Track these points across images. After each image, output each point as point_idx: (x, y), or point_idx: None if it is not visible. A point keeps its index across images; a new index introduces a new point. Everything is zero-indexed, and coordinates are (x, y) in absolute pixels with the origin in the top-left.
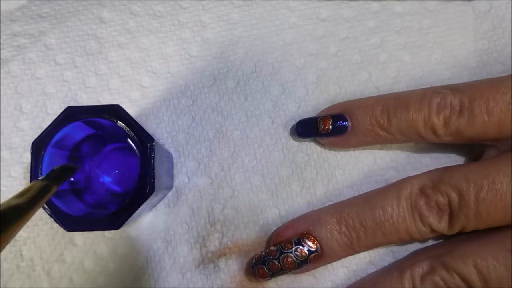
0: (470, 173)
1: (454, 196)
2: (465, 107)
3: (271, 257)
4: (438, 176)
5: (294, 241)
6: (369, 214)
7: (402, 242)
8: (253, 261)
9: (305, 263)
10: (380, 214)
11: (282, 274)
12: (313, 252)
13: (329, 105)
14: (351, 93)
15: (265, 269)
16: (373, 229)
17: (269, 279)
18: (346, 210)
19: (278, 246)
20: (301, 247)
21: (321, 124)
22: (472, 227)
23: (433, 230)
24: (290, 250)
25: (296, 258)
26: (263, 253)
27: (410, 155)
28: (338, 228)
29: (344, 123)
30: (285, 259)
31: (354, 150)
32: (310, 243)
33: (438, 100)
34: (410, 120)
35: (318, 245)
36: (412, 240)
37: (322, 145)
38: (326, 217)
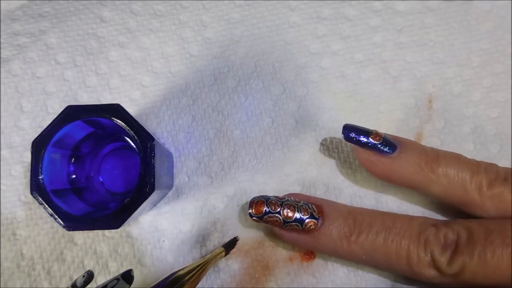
0: (483, 220)
1: (463, 233)
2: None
3: (277, 199)
4: (453, 221)
5: (304, 202)
6: (379, 219)
7: (397, 262)
8: (258, 195)
9: (300, 224)
10: (389, 222)
11: (274, 223)
12: (314, 218)
13: (330, 104)
14: (353, 92)
15: (264, 206)
16: (378, 232)
17: (258, 220)
18: (360, 209)
19: (288, 198)
20: (307, 207)
21: (373, 134)
22: (472, 268)
23: (432, 262)
24: (297, 204)
25: (298, 211)
26: (272, 195)
27: None
28: (345, 216)
29: (394, 143)
30: (287, 209)
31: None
32: (316, 211)
33: (495, 170)
34: (459, 168)
35: (321, 219)
36: (407, 264)
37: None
38: (341, 206)
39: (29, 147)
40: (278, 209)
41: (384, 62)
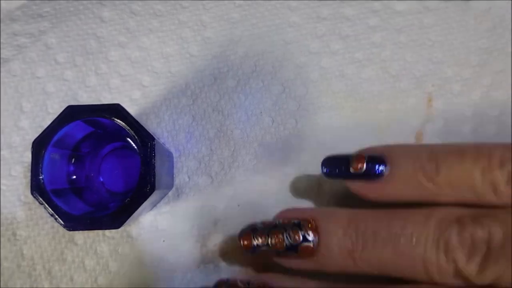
0: None
1: (498, 231)
2: None
3: (264, 227)
4: (486, 211)
5: (294, 222)
6: (385, 224)
7: (414, 275)
8: (244, 227)
9: (294, 251)
10: (397, 227)
11: (266, 251)
12: (307, 241)
13: (330, 103)
14: (352, 91)
15: (252, 239)
16: (384, 241)
17: (252, 253)
18: (362, 214)
19: (276, 221)
20: (298, 229)
21: (353, 162)
22: (509, 278)
23: (456, 272)
24: (285, 228)
25: (287, 239)
26: (260, 222)
27: None
28: (345, 228)
29: (380, 166)
30: (275, 238)
31: (358, 150)
32: (309, 230)
33: (502, 153)
34: (464, 170)
35: (317, 238)
36: (426, 275)
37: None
38: (340, 214)
39: (29, 147)
40: (266, 241)
41: (384, 61)
